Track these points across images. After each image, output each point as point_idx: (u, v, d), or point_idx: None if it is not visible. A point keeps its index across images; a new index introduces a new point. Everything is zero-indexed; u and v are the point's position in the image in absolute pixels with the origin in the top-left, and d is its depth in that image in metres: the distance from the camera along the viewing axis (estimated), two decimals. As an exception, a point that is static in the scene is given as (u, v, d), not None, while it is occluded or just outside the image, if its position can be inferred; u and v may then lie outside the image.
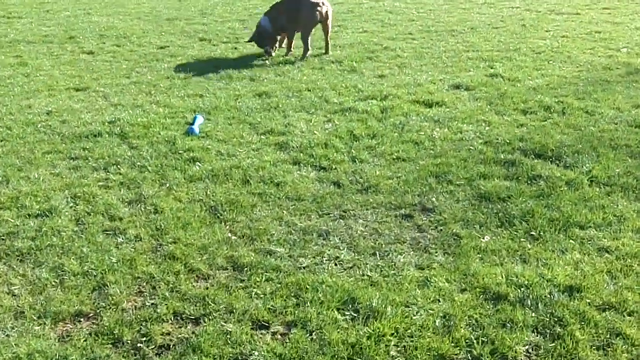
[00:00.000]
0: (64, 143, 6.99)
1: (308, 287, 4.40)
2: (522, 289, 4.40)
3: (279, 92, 8.71)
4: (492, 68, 9.61)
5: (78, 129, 7.41)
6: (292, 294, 4.34)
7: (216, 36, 12.25)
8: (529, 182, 6.03)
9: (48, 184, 5.94)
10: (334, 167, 6.36)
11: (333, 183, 6.05)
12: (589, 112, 7.79)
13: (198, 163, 6.42)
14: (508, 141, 6.95)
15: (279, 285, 4.44)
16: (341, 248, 4.97)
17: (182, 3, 16.24)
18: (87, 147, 6.87)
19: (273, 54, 10.45)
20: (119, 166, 6.36)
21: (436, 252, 4.88)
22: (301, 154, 6.62)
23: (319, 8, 10.19)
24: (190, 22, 13.85)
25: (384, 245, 5.00)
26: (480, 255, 4.82)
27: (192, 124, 7.46)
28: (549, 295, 4.34)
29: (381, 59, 10.33)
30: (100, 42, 12.01)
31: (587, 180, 6.04)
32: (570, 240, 5.03)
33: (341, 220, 5.38)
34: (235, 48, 11.31)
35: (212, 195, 5.73)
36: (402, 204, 5.64)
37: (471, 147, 6.85)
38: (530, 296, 4.33)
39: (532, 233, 5.17)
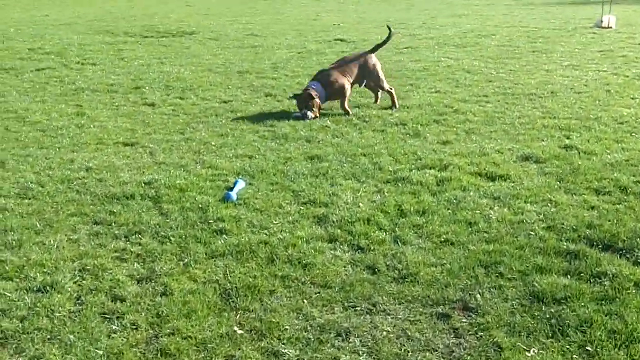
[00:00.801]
0: (93, 204, 6.60)
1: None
2: None
3: (332, 156, 8.17)
4: (568, 138, 8.79)
5: (112, 189, 7.04)
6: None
7: (283, 92, 11.83)
8: (592, 280, 5.23)
9: (60, 252, 5.53)
10: (372, 247, 5.74)
11: (368, 267, 5.41)
12: (673, 195, 6.88)
13: (225, 235, 5.90)
14: (574, 227, 6.15)
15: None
16: (360, 353, 4.29)
17: (257, 56, 15.99)
18: (115, 210, 6.46)
19: (311, 117, 10.00)
20: (140, 235, 5.91)
21: None
22: (339, 230, 6.02)
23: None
24: (261, 75, 13.53)
25: (410, 353, 4.29)
26: None
27: (232, 189, 6.95)
28: None
29: (449, 123, 9.66)
30: (164, 94, 11.79)
31: (662, 281, 5.17)
32: (632, 360, 4.21)
33: (367, 316, 4.74)
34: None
35: (230, 276, 5.18)
36: (441, 299, 4.94)
37: (531, 232, 6.08)
38: None
39: (588, 348, 4.36)
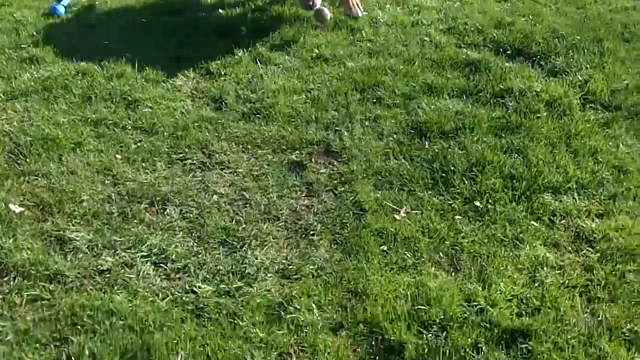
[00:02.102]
0: None
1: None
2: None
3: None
4: None
5: None
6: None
7: None
8: (492, 102, 4.08)
9: None
10: (223, 72, 4.43)
11: (212, 100, 4.17)
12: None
13: (35, 66, 4.52)
14: (480, 27, 4.88)
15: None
16: (176, 231, 3.16)
17: None
18: None
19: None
20: None
21: (320, 242, 3.08)
22: (188, 48, 4.62)
23: None
24: None
25: (243, 226, 3.18)
26: (384, 249, 3.03)
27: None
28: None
29: None
30: None
31: (579, 99, 4.03)
32: (533, 222, 3.18)
33: (198, 173, 3.54)
34: None
35: (27, 125, 3.86)
36: (298, 141, 3.79)
37: (426, 38, 4.81)
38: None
39: (477, 203, 3.30)
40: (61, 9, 5.32)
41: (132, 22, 5.16)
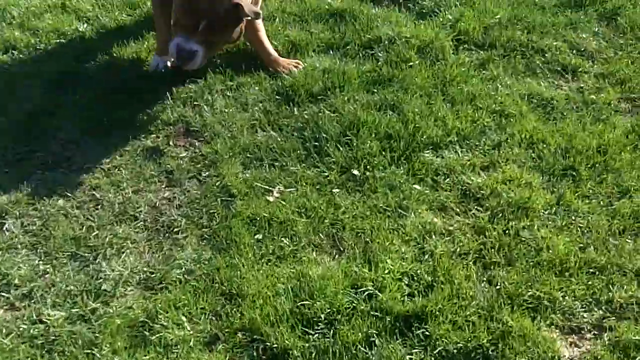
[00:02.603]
0: None
1: None
2: None
3: None
4: None
5: None
6: None
7: None
8: (360, 55, 3.74)
9: None
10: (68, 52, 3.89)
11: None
12: None
13: None
14: (341, -27, 4.50)
15: None
16: (19, 248, 2.72)
17: None
18: None
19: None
20: None
21: (186, 240, 2.72)
22: (17, 33, 4.06)
23: None
24: None
25: (92, 237, 2.81)
26: (258, 238, 2.71)
27: None
28: None
29: None
30: None
31: (451, 41, 3.77)
32: (415, 186, 2.93)
33: (40, 173, 3.06)
34: None
35: None
36: (153, 123, 3.32)
37: (284, -10, 4.40)
38: None
39: (355, 172, 3.01)
40: None
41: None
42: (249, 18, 3.44)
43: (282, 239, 2.78)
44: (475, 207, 2.88)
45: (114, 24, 4.15)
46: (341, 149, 3.17)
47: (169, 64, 3.73)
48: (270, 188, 3.01)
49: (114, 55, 3.84)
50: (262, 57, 3.78)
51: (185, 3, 3.38)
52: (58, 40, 4.02)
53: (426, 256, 2.66)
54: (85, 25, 4.17)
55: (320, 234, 2.79)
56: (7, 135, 3.34)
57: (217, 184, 3.05)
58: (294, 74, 3.63)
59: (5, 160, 3.21)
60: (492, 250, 2.67)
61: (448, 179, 3.01)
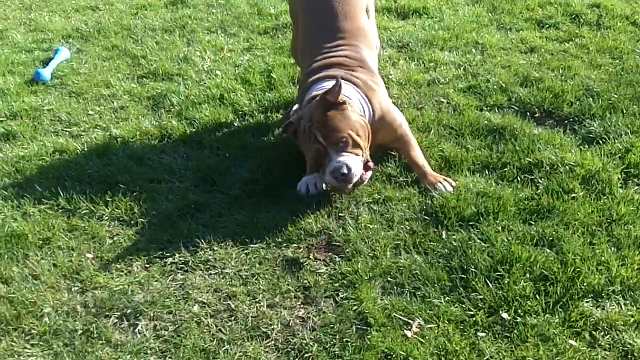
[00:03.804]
0: None
1: None
2: None
3: (203, -2, 6.11)
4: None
5: None
6: None
7: None
8: (518, 179, 3.54)
9: None
10: (220, 147, 3.93)
11: (203, 180, 3.64)
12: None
13: (8, 145, 4.05)
14: (503, 85, 4.34)
15: None
16: (149, 353, 2.66)
17: None
18: None
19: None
20: None
21: None
22: (174, 122, 4.15)
23: None
24: None
25: (222, 353, 2.67)
26: None
27: (48, 62, 5.02)
28: None
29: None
30: None
31: (620, 173, 3.48)
32: (571, 341, 2.65)
33: (179, 274, 3.04)
34: None
35: None
36: (296, 232, 3.24)
37: (442, 100, 4.27)
38: None
39: (504, 315, 2.79)
40: (46, 74, 4.88)
41: (117, 89, 4.69)
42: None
43: (418, 384, 2.56)
44: (638, 375, 2.55)
45: (269, 121, 4.15)
46: (490, 285, 2.94)
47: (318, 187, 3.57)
48: (410, 321, 2.81)
49: (263, 156, 3.81)
50: (413, 169, 3.65)
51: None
52: (213, 134, 4.05)
53: None
54: (241, 120, 4.19)
55: (461, 383, 2.56)
56: (153, 230, 3.34)
57: (353, 308, 2.90)
58: (444, 193, 3.46)
59: (148, 257, 3.19)
60: None
61: (608, 336, 2.71)
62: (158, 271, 3.14)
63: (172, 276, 3.12)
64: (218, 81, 4.61)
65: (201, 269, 3.16)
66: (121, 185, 3.66)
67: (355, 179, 3.32)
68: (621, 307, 2.83)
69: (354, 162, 3.34)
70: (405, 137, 3.69)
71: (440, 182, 3.51)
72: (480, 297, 2.90)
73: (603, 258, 3.02)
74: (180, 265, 3.18)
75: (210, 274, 3.14)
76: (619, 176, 3.54)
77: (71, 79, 4.90)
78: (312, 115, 3.39)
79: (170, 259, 3.23)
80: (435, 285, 2.98)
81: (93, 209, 3.52)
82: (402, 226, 3.32)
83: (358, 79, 3.66)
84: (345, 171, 3.30)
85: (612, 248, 3.10)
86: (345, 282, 3.04)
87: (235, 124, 4.15)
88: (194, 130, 4.13)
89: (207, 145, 3.99)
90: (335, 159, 3.31)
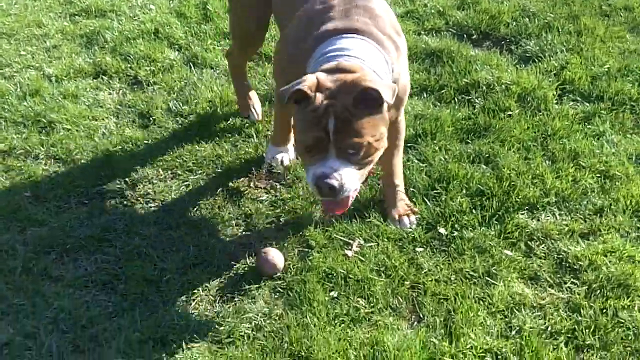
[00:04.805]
0: None
1: None
2: None
3: None
4: None
5: None
6: None
7: None
8: (456, 99, 3.57)
9: None
10: (152, 80, 3.86)
11: (140, 116, 3.58)
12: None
13: None
14: (440, 9, 4.34)
15: None
16: (91, 287, 2.65)
17: None
18: None
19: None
20: None
21: (258, 291, 2.59)
22: (108, 58, 4.06)
23: None
24: None
25: (164, 282, 2.67)
26: (334, 296, 2.54)
27: (-24, 4, 4.84)
28: None
29: None
30: None
31: (555, 90, 3.52)
32: (506, 251, 2.71)
33: (119, 208, 3.01)
34: None
35: None
36: (237, 161, 3.22)
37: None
38: None
39: (441, 230, 2.81)
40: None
41: (49, 29, 4.55)
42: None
43: (358, 299, 2.61)
44: (571, 279, 2.64)
45: (205, 54, 4.08)
46: (428, 203, 2.98)
47: (289, 159, 3.25)
48: (350, 241, 2.84)
49: (202, 89, 3.76)
50: (386, 184, 3.04)
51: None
52: (147, 68, 3.98)
53: (513, 332, 2.45)
54: (176, 53, 4.12)
55: (399, 297, 2.62)
56: (90, 167, 3.30)
57: (295, 232, 2.91)
58: (407, 229, 2.93)
59: (86, 194, 3.16)
60: (587, 331, 2.43)
61: (543, 245, 2.78)
62: (97, 207, 3.10)
63: (111, 210, 3.08)
64: (152, 15, 4.49)
65: (141, 203, 3.14)
66: (56, 124, 3.57)
67: (341, 196, 2.46)
68: (556, 217, 2.90)
69: (352, 177, 2.44)
70: (402, 122, 2.97)
71: (407, 216, 2.97)
72: (421, 214, 2.93)
73: (538, 171, 3.08)
74: (120, 200, 3.15)
75: (151, 207, 3.11)
76: (554, 93, 3.59)
77: (1, 20, 4.73)
78: (337, 96, 2.41)
79: (109, 194, 3.19)
80: (376, 205, 3.00)
81: (28, 148, 3.44)
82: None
83: (384, 34, 2.67)
84: (335, 184, 2.40)
85: (547, 162, 3.16)
86: (286, 207, 3.05)
87: (171, 58, 4.07)
88: (129, 66, 4.04)
89: (142, 80, 3.91)
90: (331, 164, 2.43)
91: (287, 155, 3.29)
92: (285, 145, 3.28)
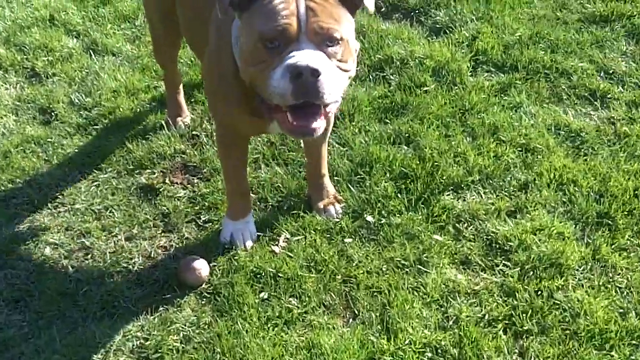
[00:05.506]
0: None
1: None
2: None
3: None
4: None
5: None
6: None
7: None
8: (371, 77, 3.48)
9: None
10: (51, 72, 3.60)
11: (40, 111, 3.34)
12: None
13: None
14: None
15: None
16: (2, 306, 2.46)
17: None
18: None
19: None
20: None
21: (184, 299, 2.45)
22: (2, 50, 3.77)
23: None
24: None
25: (81, 295, 2.50)
26: (264, 297, 2.42)
27: None
28: None
29: None
30: None
31: (469, 62, 3.49)
32: (436, 236, 2.65)
33: (25, 215, 2.79)
34: None
35: None
36: (149, 156, 3.05)
37: None
38: None
39: (368, 217, 2.73)
40: None
41: None
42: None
43: (290, 298, 2.52)
44: (503, 261, 2.61)
45: (106, 40, 3.85)
46: (353, 189, 2.90)
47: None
48: (276, 236, 2.74)
49: (105, 79, 3.54)
50: (312, 170, 2.86)
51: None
52: (45, 59, 3.72)
53: (451, 322, 2.41)
54: (75, 40, 3.87)
55: (332, 293, 2.54)
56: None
57: (217, 230, 2.78)
58: (332, 218, 2.81)
59: (-12, 202, 2.93)
60: (524, 315, 2.41)
61: (471, 227, 2.75)
62: (1, 215, 2.88)
63: (17, 219, 2.87)
64: (46, 1, 4.19)
65: (49, 208, 2.94)
66: (-53, 126, 3.29)
67: (323, 99, 2.00)
68: (481, 196, 2.87)
69: (333, 75, 2.02)
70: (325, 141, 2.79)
71: (333, 205, 2.83)
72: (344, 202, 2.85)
73: (459, 149, 3.03)
74: (25, 206, 2.94)
75: (60, 211, 2.92)
76: (468, 65, 3.55)
77: None
78: None
79: (14, 200, 2.99)
80: (299, 196, 2.90)
81: None
82: (259, 139, 3.19)
83: None
84: (317, 67, 1.94)
85: (468, 138, 3.12)
86: (206, 203, 2.92)
87: (70, 46, 3.81)
88: (25, 57, 3.77)
89: (41, 72, 3.66)
90: (304, 48, 1.99)
91: (249, 233, 2.73)
92: (245, 217, 2.72)
